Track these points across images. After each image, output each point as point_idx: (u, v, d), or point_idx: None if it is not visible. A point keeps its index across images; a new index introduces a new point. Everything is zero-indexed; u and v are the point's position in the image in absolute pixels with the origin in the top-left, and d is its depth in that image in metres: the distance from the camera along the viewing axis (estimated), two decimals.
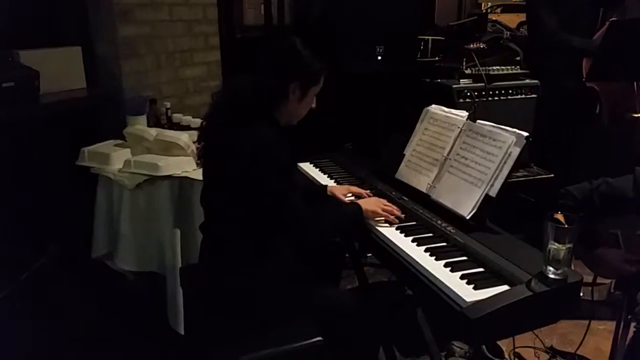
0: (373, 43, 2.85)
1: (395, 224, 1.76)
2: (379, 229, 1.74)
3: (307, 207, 1.66)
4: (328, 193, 2.00)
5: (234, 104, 1.66)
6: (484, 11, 4.88)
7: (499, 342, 2.29)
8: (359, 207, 1.77)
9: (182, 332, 2.30)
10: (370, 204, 1.80)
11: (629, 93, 2.87)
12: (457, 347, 2.31)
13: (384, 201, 1.84)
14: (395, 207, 1.81)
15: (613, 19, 2.79)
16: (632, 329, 1.91)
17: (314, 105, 1.79)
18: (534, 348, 2.36)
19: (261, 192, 1.59)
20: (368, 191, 2.00)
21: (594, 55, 2.77)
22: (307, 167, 2.39)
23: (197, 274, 1.85)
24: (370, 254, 2.93)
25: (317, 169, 2.36)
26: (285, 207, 1.62)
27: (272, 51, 1.72)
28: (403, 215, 1.79)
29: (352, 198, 1.96)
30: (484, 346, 2.23)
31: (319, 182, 2.19)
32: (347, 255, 2.48)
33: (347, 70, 2.92)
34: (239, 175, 1.60)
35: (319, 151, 2.54)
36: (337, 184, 2.16)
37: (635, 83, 2.85)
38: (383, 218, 1.77)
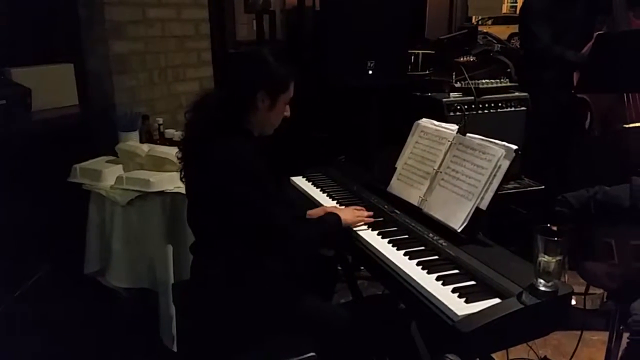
0: (364, 58, 2.87)
1: (371, 222, 1.85)
2: (372, 242, 1.74)
3: (288, 215, 1.68)
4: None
5: (203, 120, 1.67)
6: (474, 24, 4.93)
7: (492, 354, 2.28)
8: (337, 215, 1.82)
9: (175, 350, 2.28)
10: (347, 213, 1.86)
11: (620, 104, 2.89)
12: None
13: (358, 208, 1.91)
14: (363, 208, 1.90)
15: (600, 32, 2.82)
16: (625, 340, 1.92)
17: (287, 114, 1.79)
18: None
19: (234, 205, 1.60)
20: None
21: (582, 68, 2.80)
22: (300, 181, 2.39)
23: (189, 291, 1.84)
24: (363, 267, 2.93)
25: (310, 183, 2.36)
26: (262, 215, 1.62)
27: (239, 62, 1.74)
28: (372, 213, 1.88)
29: None
30: (477, 359, 2.23)
31: (312, 196, 2.20)
32: (340, 268, 2.48)
33: (339, 84, 2.94)
34: (211, 190, 1.62)
35: (312, 165, 2.54)
36: (330, 198, 2.17)
37: (624, 94, 2.88)
38: (362, 223, 1.83)
